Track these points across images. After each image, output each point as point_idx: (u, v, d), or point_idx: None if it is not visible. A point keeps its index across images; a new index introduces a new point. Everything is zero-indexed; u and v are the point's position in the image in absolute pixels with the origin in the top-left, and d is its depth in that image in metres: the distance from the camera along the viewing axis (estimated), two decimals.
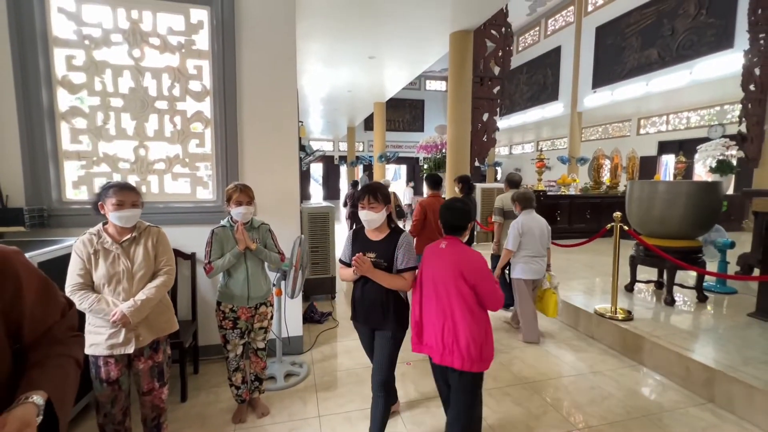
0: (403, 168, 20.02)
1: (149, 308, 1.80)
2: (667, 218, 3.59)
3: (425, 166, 7.85)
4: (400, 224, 6.28)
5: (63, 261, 2.06)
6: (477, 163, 7.43)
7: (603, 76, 11.37)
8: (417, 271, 1.83)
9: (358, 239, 1.92)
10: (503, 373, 2.79)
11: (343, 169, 19.18)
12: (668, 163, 11.48)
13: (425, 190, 4.32)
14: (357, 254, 1.78)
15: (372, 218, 1.82)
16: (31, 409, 0.69)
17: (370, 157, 16.81)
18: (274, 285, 2.51)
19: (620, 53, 10.81)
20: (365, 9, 5.04)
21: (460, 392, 1.76)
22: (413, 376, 2.74)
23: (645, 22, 10.19)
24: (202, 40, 2.73)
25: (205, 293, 2.82)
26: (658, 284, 4.03)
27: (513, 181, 4.12)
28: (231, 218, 2.20)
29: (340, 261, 2.01)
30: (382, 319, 1.85)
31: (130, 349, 1.79)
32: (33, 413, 0.69)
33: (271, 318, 2.37)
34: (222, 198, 2.78)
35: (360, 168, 17.83)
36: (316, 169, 19.77)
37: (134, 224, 1.85)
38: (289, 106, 2.88)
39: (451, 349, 1.69)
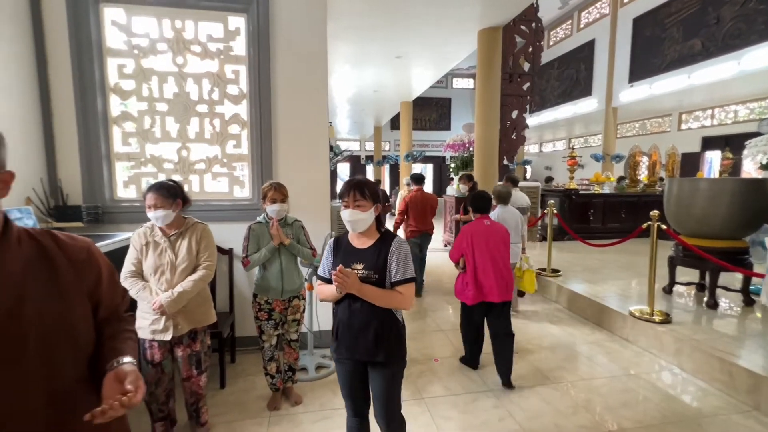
0: (430, 167, 19.92)
1: (185, 300, 1.92)
2: (710, 217, 3.42)
3: (452, 165, 7.80)
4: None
5: (114, 254, 2.25)
6: (506, 162, 7.30)
7: (641, 70, 10.85)
8: (414, 284, 1.50)
9: (341, 248, 1.56)
10: (533, 372, 2.77)
11: (370, 169, 19.33)
12: (713, 160, 10.81)
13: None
14: (338, 267, 1.40)
15: (358, 219, 1.48)
16: (132, 367, 0.83)
17: (396, 156, 16.85)
18: (306, 280, 2.61)
19: (660, 45, 10.28)
20: (393, 10, 5.08)
21: (505, 316, 2.65)
22: (441, 372, 2.77)
23: (687, 11, 9.63)
24: (239, 46, 2.87)
25: (241, 287, 2.96)
26: (700, 287, 3.84)
27: (513, 179, 4.57)
28: (267, 215, 2.31)
29: (318, 277, 1.64)
30: (374, 348, 1.48)
31: (168, 336, 1.92)
32: (137, 371, 0.83)
33: (303, 311, 2.47)
34: (257, 196, 2.92)
35: (387, 168, 17.91)
36: (343, 169, 20.03)
37: (182, 219, 1.98)
38: (320, 108, 2.98)
39: (506, 289, 2.59)
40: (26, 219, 2.21)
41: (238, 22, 2.86)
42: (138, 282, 1.90)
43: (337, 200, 1.62)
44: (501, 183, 4.47)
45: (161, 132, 2.84)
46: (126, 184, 2.86)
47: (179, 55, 2.80)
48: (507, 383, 2.56)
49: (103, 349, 0.87)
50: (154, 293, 1.88)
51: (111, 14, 2.71)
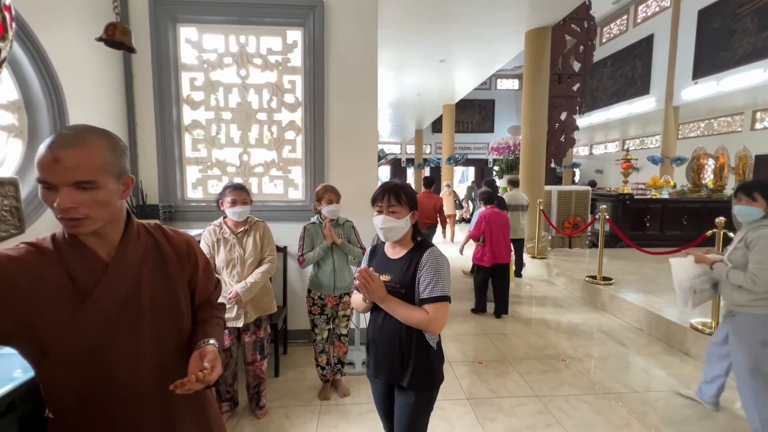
0: (471, 170, 19.61)
1: (256, 290, 2.13)
2: None
3: (496, 168, 7.68)
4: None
5: None
6: (553, 165, 7.07)
7: (706, 65, 10.02)
8: (447, 305, 1.30)
9: (376, 257, 1.47)
10: (581, 381, 2.70)
11: (410, 172, 19.39)
12: None
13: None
14: (362, 268, 1.31)
15: (391, 226, 1.33)
16: (213, 349, 0.94)
17: (437, 159, 16.78)
18: (355, 279, 2.74)
19: (730, 37, 9.44)
20: (438, 14, 5.13)
21: (505, 271, 4.01)
22: (486, 375, 2.78)
23: None
24: (296, 57, 3.08)
25: (293, 283, 3.15)
26: None
27: (514, 182, 5.53)
28: (320, 216, 2.46)
29: (357, 288, 1.42)
30: (399, 369, 1.34)
31: (240, 323, 2.13)
32: (215, 352, 0.94)
33: (353, 307, 2.59)
34: (310, 198, 3.10)
35: (427, 170, 17.89)
36: (383, 172, 20.27)
37: (246, 218, 2.19)
38: (370, 114, 3.11)
39: (508, 254, 4.08)
40: None
41: (295, 35, 3.06)
42: None
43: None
44: (507, 186, 5.58)
45: (226, 138, 3.11)
46: (194, 186, 3.15)
47: (242, 67, 3.05)
48: (503, 311, 3.98)
49: (196, 330, 1.00)
50: (228, 285, 2.08)
51: (186, 33, 3.02)
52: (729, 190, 7.47)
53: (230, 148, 3.14)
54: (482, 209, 4.10)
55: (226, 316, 2.10)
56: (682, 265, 2.31)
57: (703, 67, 10.20)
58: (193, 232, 2.71)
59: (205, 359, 0.87)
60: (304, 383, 2.65)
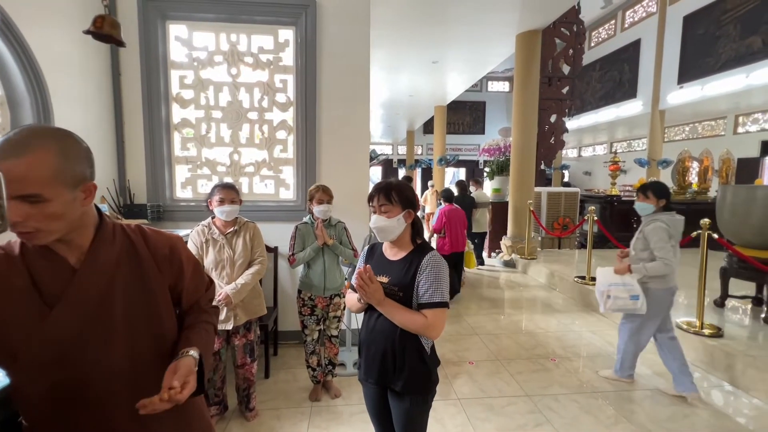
0: (462, 171, 19.73)
1: (246, 291, 2.10)
2: None
3: (487, 170, 7.73)
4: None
5: None
6: (543, 166, 7.15)
7: (691, 70, 10.25)
8: (445, 310, 1.29)
9: (374, 257, 1.43)
10: (571, 380, 2.73)
11: (402, 172, 19.42)
12: None
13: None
14: (361, 268, 1.29)
15: (383, 226, 1.32)
16: (192, 360, 0.88)
17: (429, 160, 16.83)
18: (346, 279, 2.73)
19: (714, 43, 9.67)
20: (431, 16, 5.15)
21: (460, 260, 4.59)
22: (477, 375, 2.79)
23: (746, 6, 9.01)
24: (288, 56, 3.06)
25: (284, 284, 3.13)
26: (757, 301, 3.60)
27: (478, 182, 6.46)
28: (312, 216, 2.45)
29: (351, 286, 1.46)
30: (392, 372, 1.32)
31: (230, 326, 2.10)
32: (193, 364, 0.88)
33: (344, 309, 2.58)
34: (301, 198, 3.08)
35: (418, 171, 17.94)
36: (375, 172, 20.25)
37: (235, 218, 2.16)
38: (362, 114, 3.11)
39: (464, 244, 4.54)
40: None
41: (287, 34, 3.04)
42: None
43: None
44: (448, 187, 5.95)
45: (216, 137, 3.07)
46: (184, 185, 3.10)
47: (233, 66, 3.01)
48: (456, 291, 4.53)
49: (180, 337, 0.95)
50: (216, 287, 2.05)
51: (175, 30, 2.97)
52: (713, 193, 7.64)
53: (220, 148, 3.10)
54: (443, 206, 4.58)
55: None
56: (603, 274, 2.60)
57: (688, 72, 10.43)
58: (182, 233, 2.67)
59: (176, 375, 0.81)
60: (295, 385, 2.63)
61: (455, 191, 5.43)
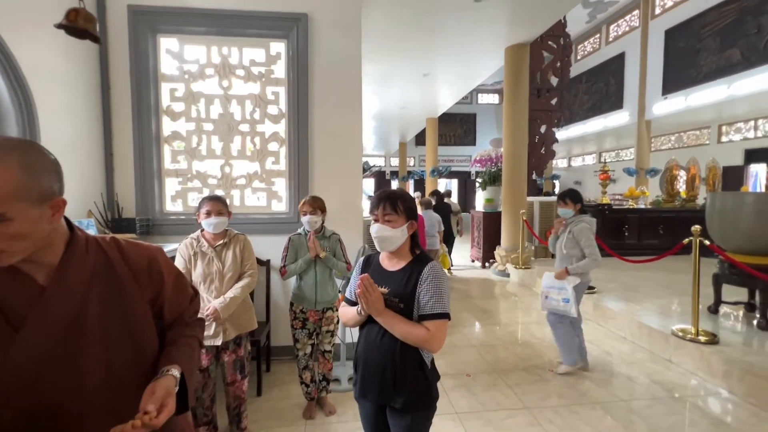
0: (455, 182, 19.87)
1: (236, 305, 2.04)
2: (757, 233, 3.25)
3: (479, 180, 7.78)
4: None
5: None
6: (534, 176, 7.21)
7: (675, 82, 10.54)
8: (447, 322, 1.26)
9: (370, 268, 1.39)
10: (569, 391, 2.69)
11: (394, 184, 19.48)
12: (758, 174, 10.23)
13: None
14: (363, 276, 1.24)
15: (386, 236, 1.29)
16: (172, 380, 0.84)
17: (421, 171, 16.94)
18: (339, 291, 2.68)
19: (695, 56, 9.98)
20: (421, 30, 5.23)
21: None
22: (474, 387, 2.74)
23: (724, 21, 9.35)
24: (280, 69, 3.06)
25: (277, 297, 3.07)
26: (749, 306, 3.62)
27: (447, 193, 7.17)
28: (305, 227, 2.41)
29: (345, 299, 1.44)
30: (391, 389, 1.26)
31: (219, 341, 2.03)
32: (173, 384, 0.84)
33: (338, 323, 2.52)
34: (294, 210, 3.05)
35: (411, 183, 18.01)
36: (367, 184, 20.29)
37: (223, 230, 2.11)
38: (354, 126, 3.11)
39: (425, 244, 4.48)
40: (88, 230, 2.41)
41: (279, 47, 3.05)
42: None
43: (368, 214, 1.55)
44: (427, 196, 6.43)
45: (207, 150, 3.04)
46: (174, 199, 3.05)
47: (225, 78, 3.01)
48: None
49: (162, 353, 0.90)
50: (205, 301, 2.00)
51: (166, 43, 2.97)
52: (701, 200, 7.77)
53: (211, 160, 3.07)
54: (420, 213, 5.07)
55: (204, 334, 2.01)
56: (546, 278, 2.95)
57: (671, 83, 10.72)
58: (171, 246, 2.61)
59: (153, 397, 0.77)
60: (288, 402, 2.55)
61: (432, 201, 6.06)
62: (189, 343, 0.98)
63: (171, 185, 3.05)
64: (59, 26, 1.89)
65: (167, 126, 3.02)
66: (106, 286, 0.82)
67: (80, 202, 2.56)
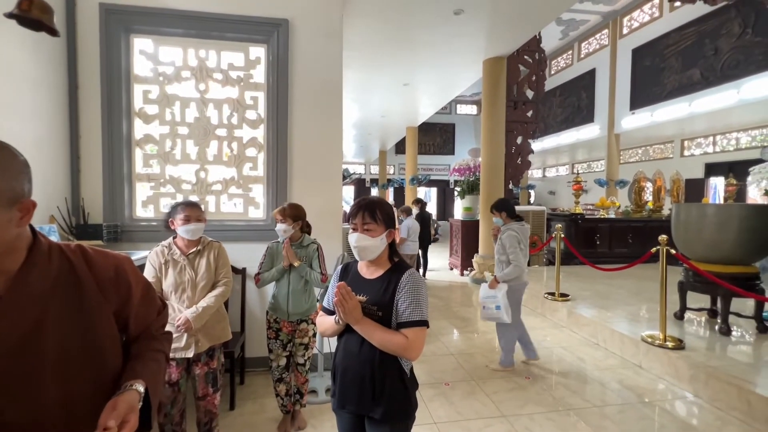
0: (434, 190, 20.10)
1: (209, 315, 1.97)
2: (719, 243, 3.43)
3: (458, 189, 7.89)
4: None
5: None
6: (511, 186, 7.38)
7: (641, 98, 11.11)
8: (425, 330, 1.26)
9: (348, 277, 1.37)
10: (546, 397, 2.72)
11: (375, 191, 19.51)
12: (717, 186, 10.85)
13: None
14: (340, 284, 1.21)
15: (365, 245, 1.27)
16: (135, 395, 0.80)
17: (401, 179, 17.04)
18: (318, 300, 2.62)
19: (659, 74, 10.57)
20: (402, 40, 5.31)
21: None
22: (453, 396, 2.73)
23: (685, 42, 9.96)
24: (259, 74, 3.02)
25: (253, 306, 2.98)
26: (712, 312, 3.80)
27: (423, 202, 6.86)
28: None
29: (322, 309, 1.42)
30: (370, 399, 1.25)
31: (191, 353, 1.95)
32: (136, 399, 0.80)
33: (313, 335, 2.41)
34: (271, 217, 2.98)
35: (391, 191, 18.08)
36: (347, 191, 20.23)
37: (199, 238, 2.04)
38: (334, 133, 3.09)
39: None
40: (50, 237, 2.27)
41: (258, 52, 3.02)
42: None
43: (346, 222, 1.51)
44: (409, 204, 6.90)
45: (181, 154, 2.95)
46: (145, 204, 2.93)
47: (202, 82, 2.94)
48: None
49: (125, 369, 0.86)
50: (177, 311, 1.91)
51: (140, 44, 2.87)
52: (666, 211, 8.16)
53: (186, 165, 2.97)
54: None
55: (175, 345, 1.92)
56: (482, 289, 3.14)
57: (638, 99, 11.28)
58: (141, 254, 2.50)
59: (114, 413, 0.73)
60: (263, 416, 2.46)
61: (414, 209, 6.36)
62: (155, 358, 0.93)
63: (142, 190, 2.94)
64: (9, 15, 1.77)
65: (139, 129, 2.91)
66: (67, 297, 0.78)
67: (42, 207, 2.42)
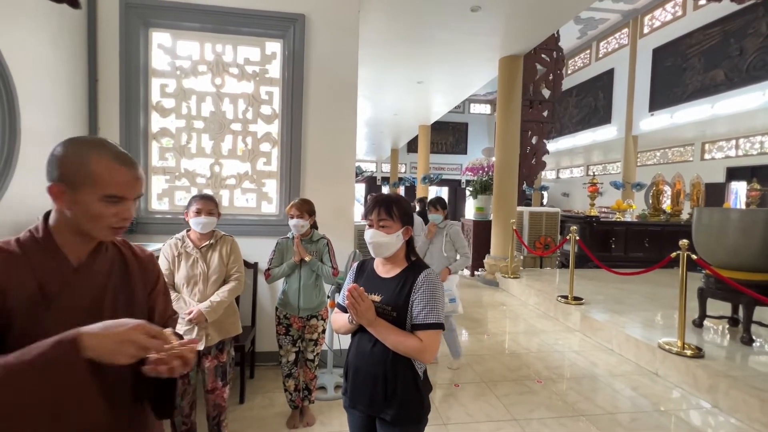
0: (445, 190, 19.98)
1: (222, 309, 1.97)
2: (742, 249, 3.31)
3: (470, 189, 7.82)
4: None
5: None
6: (524, 186, 7.28)
7: (661, 99, 10.83)
8: (440, 332, 1.23)
9: (363, 274, 1.35)
10: (558, 403, 2.67)
11: (386, 190, 19.49)
12: (738, 191, 10.53)
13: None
14: (352, 286, 1.19)
15: (380, 242, 1.25)
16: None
17: (412, 178, 16.98)
18: (328, 297, 2.62)
19: (681, 75, 10.28)
20: (417, 37, 5.26)
21: None
22: (463, 398, 2.70)
23: (709, 42, 9.67)
24: (275, 69, 3.02)
25: (263, 301, 2.99)
26: (733, 321, 3.68)
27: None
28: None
29: (337, 305, 1.39)
30: (382, 400, 1.22)
31: (201, 346, 1.96)
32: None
33: (323, 332, 2.41)
34: (284, 212, 2.98)
35: (402, 189, 18.05)
36: (359, 189, 20.27)
37: (211, 231, 2.05)
38: (349, 129, 3.08)
39: None
40: None
41: (274, 47, 3.01)
42: (171, 293, 1.95)
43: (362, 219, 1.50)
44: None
45: (196, 148, 2.97)
46: (160, 197, 2.97)
47: (218, 76, 2.95)
48: None
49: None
50: (188, 304, 1.92)
51: (158, 38, 2.90)
52: (685, 215, 7.95)
53: (201, 159, 2.99)
54: None
55: (186, 338, 1.93)
56: None
57: (658, 101, 11.00)
58: (155, 246, 2.53)
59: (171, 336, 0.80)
60: (271, 410, 2.47)
61: (417, 207, 6.30)
62: None
63: (158, 183, 2.97)
64: None
65: (156, 122, 2.94)
66: (120, 278, 0.91)
67: None
